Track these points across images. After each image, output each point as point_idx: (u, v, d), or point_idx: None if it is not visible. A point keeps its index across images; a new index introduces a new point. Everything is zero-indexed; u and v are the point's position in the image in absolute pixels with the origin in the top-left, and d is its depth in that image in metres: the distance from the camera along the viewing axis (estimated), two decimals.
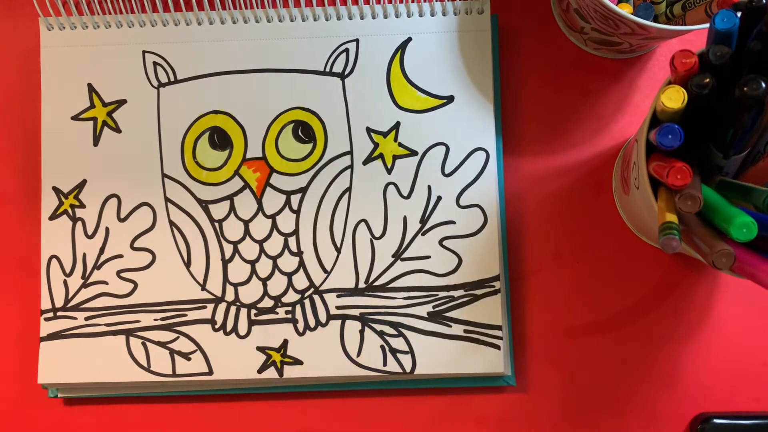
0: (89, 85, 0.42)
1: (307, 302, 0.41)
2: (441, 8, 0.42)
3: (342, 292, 0.41)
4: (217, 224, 0.41)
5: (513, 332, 0.42)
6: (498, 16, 0.43)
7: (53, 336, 0.41)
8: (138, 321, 0.41)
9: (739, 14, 0.27)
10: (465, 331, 0.40)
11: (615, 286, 0.42)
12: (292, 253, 0.41)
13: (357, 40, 0.42)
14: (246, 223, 0.41)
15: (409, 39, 0.42)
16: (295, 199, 0.41)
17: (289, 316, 0.40)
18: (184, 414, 0.42)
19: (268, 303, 0.41)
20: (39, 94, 0.43)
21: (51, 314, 0.41)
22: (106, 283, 0.41)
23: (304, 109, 0.42)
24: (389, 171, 0.41)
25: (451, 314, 0.40)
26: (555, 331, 0.42)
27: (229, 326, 0.41)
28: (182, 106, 0.42)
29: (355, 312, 0.40)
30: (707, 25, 0.34)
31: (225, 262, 0.41)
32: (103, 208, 0.41)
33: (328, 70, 0.42)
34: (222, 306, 0.41)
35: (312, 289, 0.41)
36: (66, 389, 0.42)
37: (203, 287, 0.41)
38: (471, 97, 0.41)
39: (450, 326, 0.40)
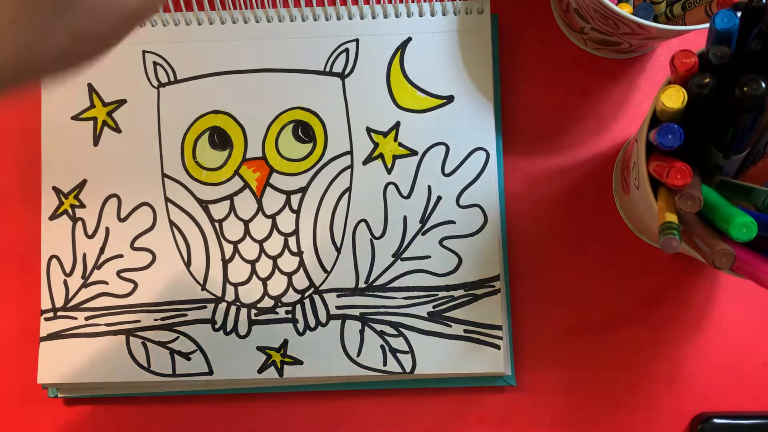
0: (89, 85, 0.42)
1: (307, 302, 0.41)
2: (441, 8, 0.42)
3: (342, 292, 0.41)
4: (217, 224, 0.41)
5: (513, 332, 0.42)
6: (498, 16, 0.43)
7: (53, 336, 0.41)
8: (138, 321, 0.41)
9: (739, 14, 0.27)
10: (465, 331, 0.40)
11: (615, 286, 0.42)
12: (292, 253, 0.41)
13: (357, 40, 0.42)
14: (246, 223, 0.41)
15: (409, 39, 0.42)
16: (295, 199, 0.41)
17: (289, 316, 0.40)
18: (184, 414, 0.42)
19: (268, 303, 0.41)
20: (39, 94, 0.43)
21: (51, 314, 0.41)
22: (106, 283, 0.41)
23: (304, 108, 0.42)
24: (389, 171, 0.41)
25: (451, 314, 0.40)
26: (555, 331, 0.42)
27: (229, 326, 0.41)
28: (182, 106, 0.42)
29: (355, 312, 0.40)
30: (707, 25, 0.34)
31: (225, 262, 0.41)
32: (103, 208, 0.41)
33: (328, 70, 0.42)
34: (222, 306, 0.41)
35: (312, 289, 0.41)
36: (66, 389, 0.42)
37: (203, 287, 0.41)
38: (471, 97, 0.41)
39: (450, 326, 0.40)
